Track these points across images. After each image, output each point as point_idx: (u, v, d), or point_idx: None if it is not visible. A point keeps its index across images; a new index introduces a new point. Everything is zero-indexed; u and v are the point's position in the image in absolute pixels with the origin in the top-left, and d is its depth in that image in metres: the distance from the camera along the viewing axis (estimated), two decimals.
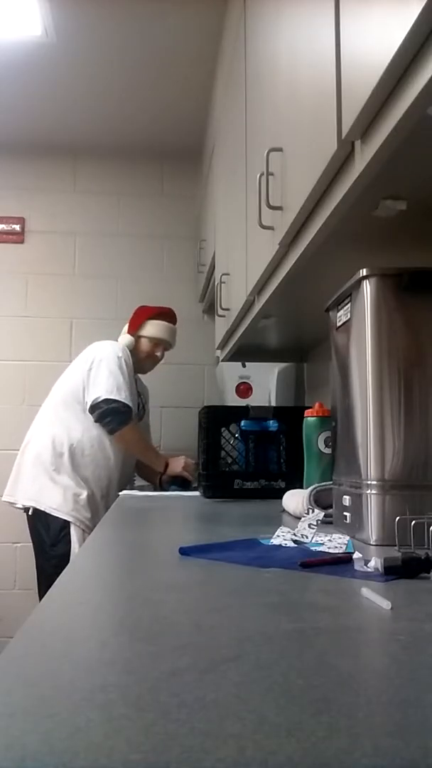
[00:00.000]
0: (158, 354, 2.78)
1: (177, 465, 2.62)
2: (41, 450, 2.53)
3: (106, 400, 2.49)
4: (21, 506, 2.53)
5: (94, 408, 2.51)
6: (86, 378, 2.55)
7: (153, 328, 2.76)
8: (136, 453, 2.67)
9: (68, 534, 2.43)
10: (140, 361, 2.75)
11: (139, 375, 2.82)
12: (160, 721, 0.38)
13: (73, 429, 2.53)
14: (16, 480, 2.58)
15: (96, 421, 2.52)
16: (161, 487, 2.64)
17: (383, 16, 0.75)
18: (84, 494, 2.48)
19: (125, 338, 2.73)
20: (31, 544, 2.58)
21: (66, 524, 2.44)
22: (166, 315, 2.81)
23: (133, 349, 2.73)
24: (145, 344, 2.75)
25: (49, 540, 2.44)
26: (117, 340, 2.73)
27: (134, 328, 2.76)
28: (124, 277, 3.48)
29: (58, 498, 2.46)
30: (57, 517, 2.45)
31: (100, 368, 2.55)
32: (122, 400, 2.50)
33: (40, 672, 0.47)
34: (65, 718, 0.39)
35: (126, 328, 2.78)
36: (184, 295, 3.49)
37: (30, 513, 2.50)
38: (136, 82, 2.93)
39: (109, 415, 2.49)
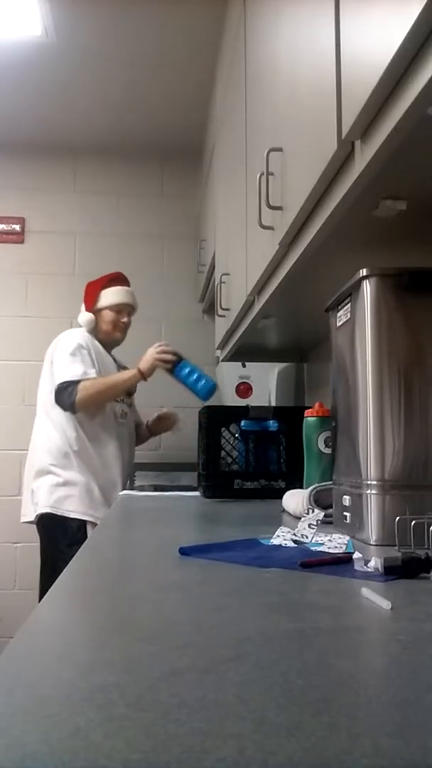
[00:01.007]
0: (124, 320, 2.67)
1: (148, 355, 2.48)
2: (44, 456, 2.49)
3: (63, 383, 2.43)
4: (36, 517, 2.47)
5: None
6: (52, 374, 2.52)
7: (109, 297, 2.66)
8: (103, 393, 2.47)
9: (85, 534, 2.37)
10: (109, 333, 2.65)
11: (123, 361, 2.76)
12: (160, 721, 0.38)
13: (67, 428, 2.48)
14: (28, 499, 2.53)
15: (60, 407, 2.46)
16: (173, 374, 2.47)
17: (383, 16, 0.75)
18: (96, 490, 2.45)
19: (84, 317, 2.63)
20: (32, 545, 2.55)
21: (83, 523, 2.41)
22: (117, 280, 2.72)
23: (97, 325, 2.63)
24: (107, 315, 2.64)
25: (65, 540, 2.38)
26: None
27: (90, 304, 2.65)
28: None
29: (74, 500, 2.42)
30: (74, 519, 2.41)
31: (57, 360, 2.51)
32: (77, 378, 2.42)
33: (40, 672, 0.47)
34: (65, 718, 0.39)
35: (83, 307, 2.67)
36: (184, 295, 3.49)
37: (45, 515, 2.45)
38: (136, 82, 2.93)
39: (60, 393, 2.44)
